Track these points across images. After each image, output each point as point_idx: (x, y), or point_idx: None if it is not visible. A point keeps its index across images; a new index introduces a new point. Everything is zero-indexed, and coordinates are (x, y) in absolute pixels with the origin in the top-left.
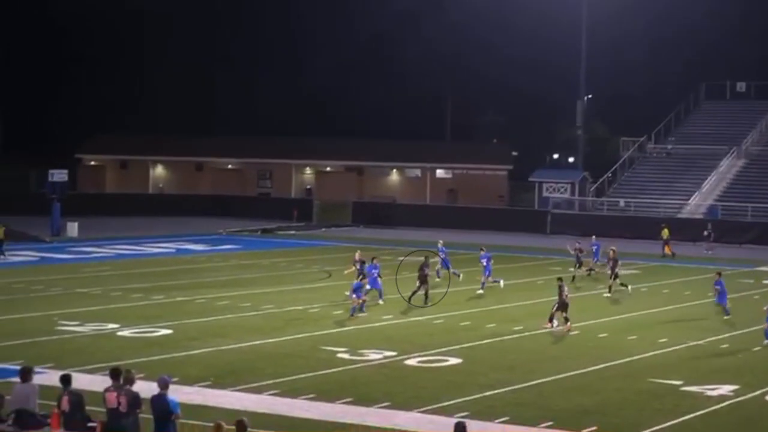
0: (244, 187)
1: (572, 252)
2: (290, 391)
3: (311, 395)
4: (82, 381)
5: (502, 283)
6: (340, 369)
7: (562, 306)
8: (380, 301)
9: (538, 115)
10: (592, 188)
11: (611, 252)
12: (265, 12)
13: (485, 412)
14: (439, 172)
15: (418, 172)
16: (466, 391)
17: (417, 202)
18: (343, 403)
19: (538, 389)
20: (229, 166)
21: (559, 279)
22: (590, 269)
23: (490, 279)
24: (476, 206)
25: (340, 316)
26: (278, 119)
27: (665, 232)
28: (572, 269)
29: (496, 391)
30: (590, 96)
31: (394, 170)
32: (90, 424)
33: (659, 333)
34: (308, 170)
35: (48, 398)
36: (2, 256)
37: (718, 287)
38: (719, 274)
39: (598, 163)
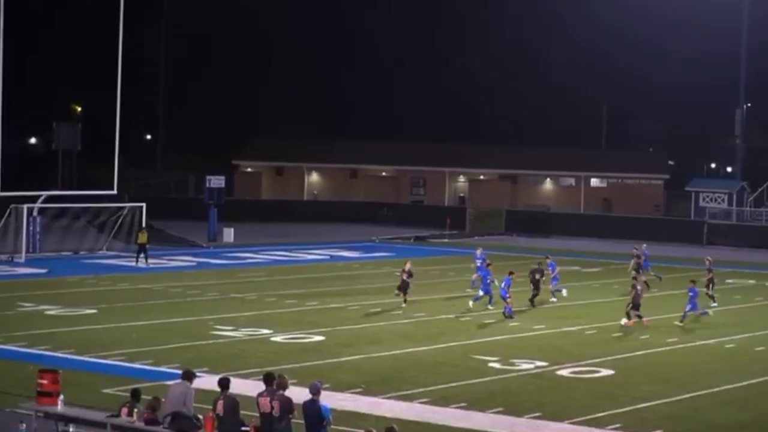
0: (399, 194)
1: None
2: (441, 400)
3: (462, 404)
4: (235, 385)
5: (565, 291)
6: (491, 378)
7: (635, 306)
8: (489, 306)
9: (695, 123)
10: (751, 198)
11: (707, 262)
12: (418, 18)
13: (638, 424)
14: (594, 181)
15: (572, 181)
16: (619, 402)
17: (571, 210)
18: (494, 412)
19: (693, 403)
20: (384, 174)
21: (634, 278)
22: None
23: (554, 287)
24: (631, 216)
25: (492, 325)
26: (432, 126)
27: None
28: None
29: (649, 404)
30: (749, 104)
31: (548, 179)
32: (243, 429)
33: None
34: (462, 178)
35: (203, 402)
36: (144, 262)
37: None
38: (693, 282)
39: (757, 172)
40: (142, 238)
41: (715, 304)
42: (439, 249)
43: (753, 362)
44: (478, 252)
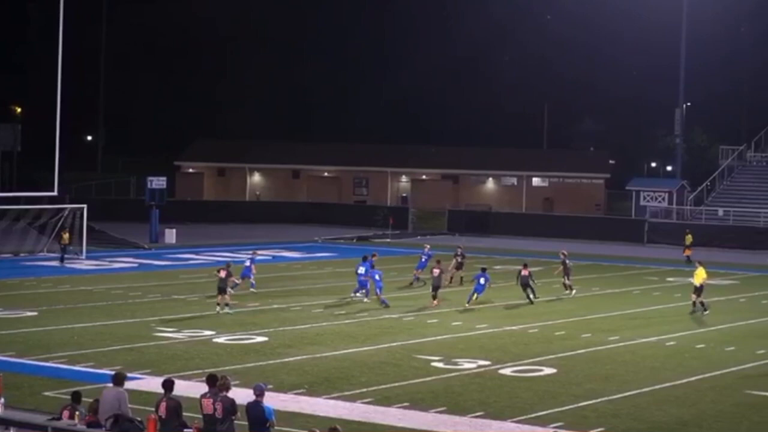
0: (341, 194)
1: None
2: (384, 400)
3: (405, 404)
4: (178, 387)
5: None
6: (434, 378)
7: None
8: (365, 299)
9: (636, 122)
10: (691, 197)
11: (561, 255)
12: (361, 19)
13: (580, 422)
14: (536, 181)
15: (514, 181)
16: (561, 401)
17: (513, 210)
18: (437, 412)
19: (634, 400)
20: (326, 174)
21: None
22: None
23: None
24: (572, 215)
25: (435, 325)
26: (374, 127)
27: (688, 238)
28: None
29: (590, 402)
30: (689, 104)
31: (490, 178)
32: (186, 431)
33: (757, 344)
34: (404, 178)
35: (146, 404)
36: (61, 264)
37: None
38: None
39: (696, 171)
40: (65, 238)
41: (571, 293)
42: (382, 249)
43: (694, 359)
44: (426, 248)
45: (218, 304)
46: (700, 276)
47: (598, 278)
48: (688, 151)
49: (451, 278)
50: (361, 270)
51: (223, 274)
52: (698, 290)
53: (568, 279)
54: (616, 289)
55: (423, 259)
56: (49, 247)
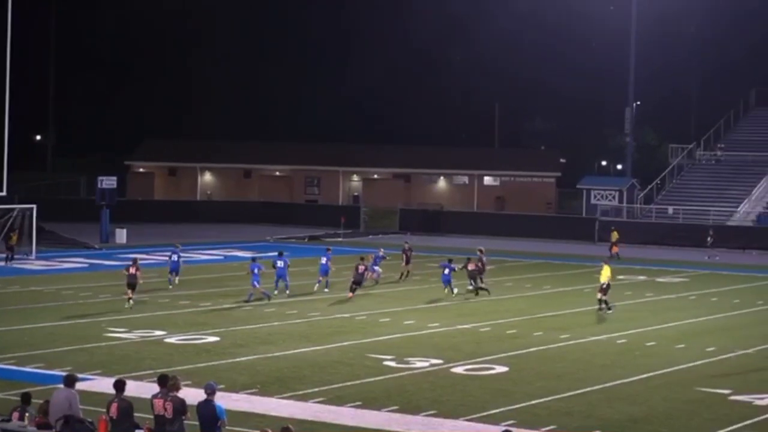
0: (292, 194)
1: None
2: (336, 399)
3: (357, 403)
4: (129, 387)
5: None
6: (386, 377)
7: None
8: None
9: (586, 121)
10: (641, 195)
11: (479, 252)
12: (313, 17)
13: (532, 420)
14: (487, 179)
15: (465, 179)
16: (513, 399)
17: (465, 209)
18: (389, 411)
19: (585, 398)
20: (277, 173)
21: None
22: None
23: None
24: (524, 213)
25: (387, 324)
26: (325, 126)
27: (614, 235)
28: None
29: (542, 400)
30: (639, 103)
31: (442, 177)
32: (137, 431)
33: (707, 341)
34: (356, 177)
35: (96, 404)
36: (12, 263)
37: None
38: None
39: (646, 170)
40: (14, 239)
41: (471, 287)
42: (334, 248)
43: (644, 357)
44: (380, 252)
45: (129, 299)
46: (605, 274)
47: (550, 276)
48: (638, 149)
49: (402, 274)
50: (323, 260)
51: (132, 270)
52: (604, 289)
53: (481, 275)
54: (567, 288)
55: (375, 260)
56: None
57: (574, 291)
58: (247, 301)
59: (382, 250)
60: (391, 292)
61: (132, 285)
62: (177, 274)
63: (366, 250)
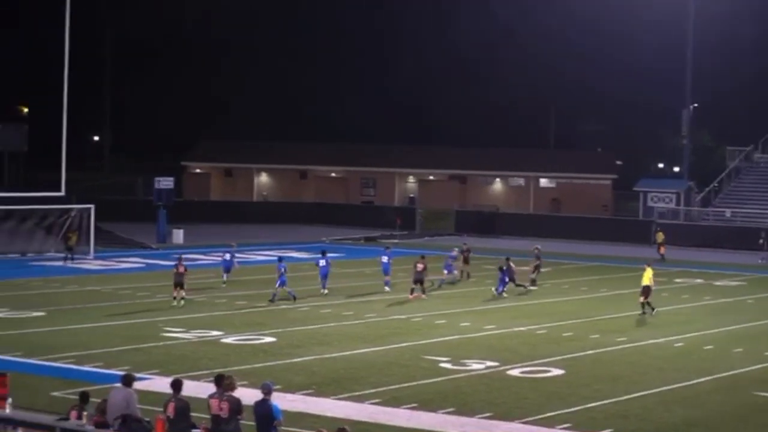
0: (348, 195)
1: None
2: (392, 401)
3: (413, 405)
4: (187, 387)
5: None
6: (442, 378)
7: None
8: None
9: (643, 123)
10: (698, 198)
11: (536, 250)
12: (372, 20)
13: (587, 423)
14: (543, 181)
15: (521, 181)
16: (569, 402)
17: (520, 211)
18: (445, 412)
19: (642, 401)
20: (333, 175)
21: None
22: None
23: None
24: (580, 216)
25: (443, 326)
26: (382, 128)
27: (660, 236)
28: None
29: (598, 403)
30: (696, 105)
31: (498, 179)
32: (194, 431)
33: (765, 345)
34: (411, 179)
35: (153, 404)
36: (71, 263)
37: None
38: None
39: (704, 172)
40: (73, 239)
41: (534, 287)
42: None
43: (701, 361)
44: (454, 252)
45: (174, 298)
46: (647, 277)
47: (606, 279)
48: (695, 151)
49: (462, 273)
50: (384, 259)
51: (181, 269)
52: (646, 291)
53: (535, 274)
54: (623, 290)
55: (449, 258)
56: (56, 247)
57: (630, 294)
58: (271, 301)
59: (455, 249)
60: (447, 293)
61: (179, 284)
62: (228, 273)
63: (421, 252)
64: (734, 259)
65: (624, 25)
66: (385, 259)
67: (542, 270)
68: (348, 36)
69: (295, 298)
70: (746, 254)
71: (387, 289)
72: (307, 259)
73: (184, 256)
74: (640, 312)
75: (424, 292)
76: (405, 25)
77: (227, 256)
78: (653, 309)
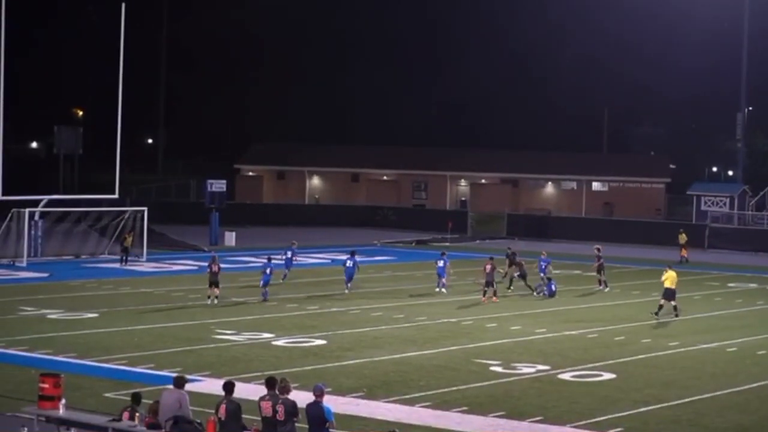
0: (400, 198)
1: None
2: (442, 404)
3: (463, 408)
4: (237, 389)
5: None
6: (492, 382)
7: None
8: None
9: (698, 127)
10: (752, 202)
11: (596, 250)
12: (420, 22)
13: (639, 428)
14: (595, 185)
15: (573, 185)
16: (620, 406)
17: (572, 214)
18: (496, 416)
19: (694, 407)
20: (385, 178)
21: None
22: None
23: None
24: (633, 219)
25: (494, 329)
26: (434, 130)
27: (682, 237)
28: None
29: (650, 408)
30: (750, 108)
31: (550, 182)
32: None
33: None
34: (463, 182)
35: (204, 405)
36: (125, 264)
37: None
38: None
39: (758, 176)
40: (129, 240)
41: (607, 289)
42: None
43: (755, 365)
44: (544, 255)
45: (209, 297)
46: (670, 279)
47: (658, 283)
48: (749, 155)
49: (505, 275)
50: (440, 264)
51: (215, 268)
52: (670, 294)
53: (602, 275)
54: (677, 295)
55: (542, 266)
56: (110, 249)
57: (683, 298)
58: (264, 301)
59: (544, 252)
60: (498, 297)
61: (214, 283)
62: (288, 270)
63: (474, 255)
64: None
65: (679, 26)
66: (440, 263)
67: (593, 274)
68: (398, 37)
69: (265, 300)
70: None
71: (444, 291)
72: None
73: (218, 256)
74: (654, 312)
75: (495, 294)
76: (455, 26)
77: (288, 254)
78: (677, 314)
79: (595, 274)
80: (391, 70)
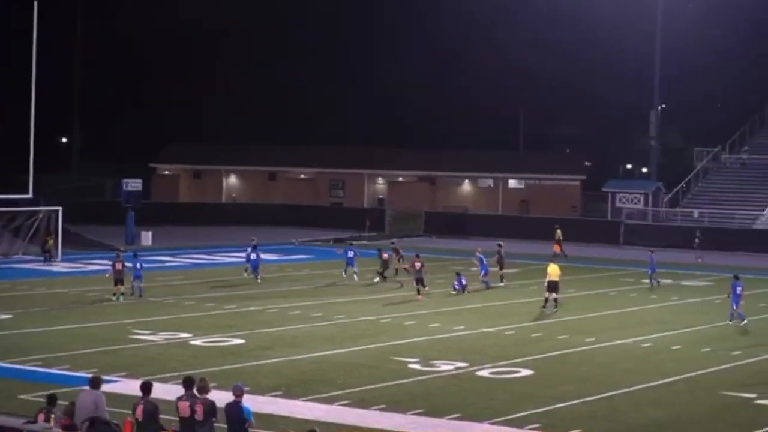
0: (317, 196)
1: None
2: (361, 402)
3: (382, 406)
4: (155, 389)
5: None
6: (411, 380)
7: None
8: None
9: (611, 125)
10: (666, 199)
11: (498, 246)
12: (338, 19)
13: (557, 424)
14: (512, 182)
15: (490, 182)
16: (538, 403)
17: (489, 212)
18: (415, 413)
19: (610, 402)
20: (302, 176)
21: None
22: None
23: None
24: (549, 216)
25: (412, 327)
26: (351, 129)
27: (558, 233)
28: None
29: (567, 404)
30: (664, 106)
31: (467, 180)
32: None
33: (733, 345)
34: (380, 180)
35: (121, 406)
36: (48, 264)
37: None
38: (736, 277)
39: (672, 173)
40: (50, 242)
41: (502, 283)
42: (359, 251)
43: (669, 361)
44: (479, 252)
45: (114, 294)
46: (554, 272)
47: (575, 280)
48: (663, 153)
49: (396, 272)
50: (350, 254)
51: (119, 266)
52: (553, 287)
53: (501, 270)
54: (592, 291)
55: (484, 262)
56: (24, 249)
57: (599, 294)
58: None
59: (479, 249)
60: (414, 294)
61: (119, 280)
62: (257, 271)
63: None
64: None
65: (593, 25)
66: (350, 254)
67: (510, 270)
68: (318, 34)
69: (141, 295)
70: (714, 255)
71: (355, 279)
72: (278, 261)
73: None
74: (542, 306)
75: (419, 292)
76: (375, 23)
77: (253, 255)
78: (556, 306)
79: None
80: (310, 68)
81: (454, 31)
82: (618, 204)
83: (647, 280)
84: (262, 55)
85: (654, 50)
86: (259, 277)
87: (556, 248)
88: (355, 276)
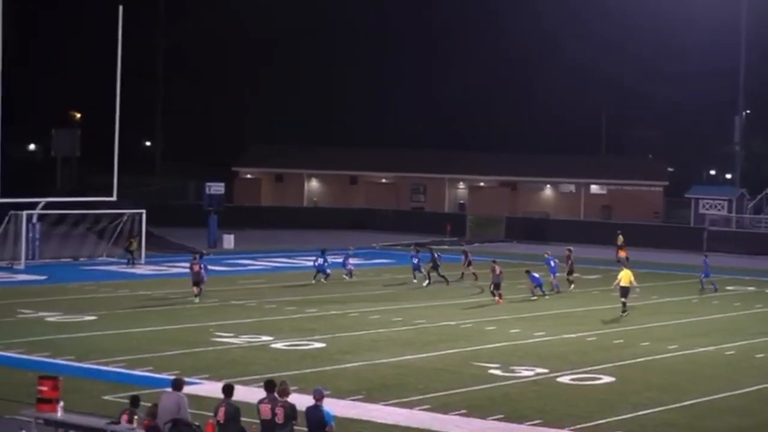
0: (398, 201)
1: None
2: (441, 407)
3: (462, 411)
4: (236, 392)
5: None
6: (491, 385)
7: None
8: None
9: (695, 130)
10: (750, 205)
11: (568, 251)
12: (424, 24)
13: (637, 431)
14: (594, 188)
15: (572, 188)
16: (618, 410)
17: (571, 217)
18: (494, 419)
19: (692, 410)
20: (383, 180)
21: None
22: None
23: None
24: (631, 222)
25: (493, 332)
26: (432, 134)
27: (620, 238)
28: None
29: (648, 411)
30: (748, 111)
31: (548, 185)
32: None
33: None
34: (461, 185)
35: (202, 408)
36: (131, 267)
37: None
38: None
39: (756, 179)
40: (133, 245)
41: (572, 287)
42: (442, 256)
43: (752, 369)
44: (548, 254)
45: (196, 295)
46: (626, 277)
47: (657, 286)
48: (747, 158)
49: (462, 276)
50: (415, 260)
51: (196, 268)
52: (625, 292)
53: (571, 275)
54: (674, 298)
55: (552, 265)
56: (108, 251)
57: (681, 301)
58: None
59: (548, 252)
60: (491, 300)
61: (197, 282)
62: (325, 275)
63: (474, 259)
64: None
65: (677, 30)
66: (415, 260)
67: (591, 276)
68: (397, 40)
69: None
70: None
71: (414, 281)
72: (358, 265)
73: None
74: (622, 312)
75: (501, 296)
76: (455, 29)
77: (320, 261)
78: (625, 311)
79: (565, 275)
80: (390, 72)
81: (532, 35)
82: (701, 210)
83: (709, 285)
84: (344, 58)
85: (739, 55)
86: (325, 278)
87: (622, 253)
88: (415, 280)
